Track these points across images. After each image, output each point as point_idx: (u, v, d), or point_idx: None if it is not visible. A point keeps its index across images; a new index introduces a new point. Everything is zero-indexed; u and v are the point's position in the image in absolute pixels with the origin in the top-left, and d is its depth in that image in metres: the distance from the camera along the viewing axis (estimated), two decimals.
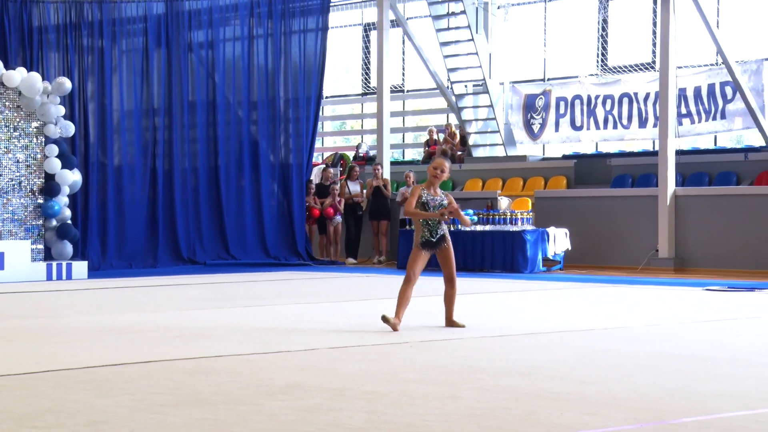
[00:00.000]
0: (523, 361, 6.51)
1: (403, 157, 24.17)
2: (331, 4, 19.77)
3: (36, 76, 15.84)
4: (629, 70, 19.67)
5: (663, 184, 16.65)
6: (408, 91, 23.61)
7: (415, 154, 23.96)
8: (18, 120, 15.81)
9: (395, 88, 22.72)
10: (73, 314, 10.07)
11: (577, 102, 19.99)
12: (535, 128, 20.64)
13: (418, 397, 5.23)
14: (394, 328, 8.16)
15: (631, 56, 19.86)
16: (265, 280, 14.94)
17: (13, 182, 15.80)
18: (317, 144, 22.89)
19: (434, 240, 8.37)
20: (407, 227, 17.37)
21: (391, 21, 20.67)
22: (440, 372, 6.07)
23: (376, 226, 19.12)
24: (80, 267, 15.56)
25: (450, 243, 8.43)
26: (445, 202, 8.37)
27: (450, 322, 8.47)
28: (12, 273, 14.74)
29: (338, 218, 19.38)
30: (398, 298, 8.38)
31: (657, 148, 17.61)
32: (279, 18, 19.04)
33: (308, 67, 19.22)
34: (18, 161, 15.84)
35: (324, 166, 21.29)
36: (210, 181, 18.61)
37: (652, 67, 19.17)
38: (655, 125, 18.36)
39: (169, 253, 18.05)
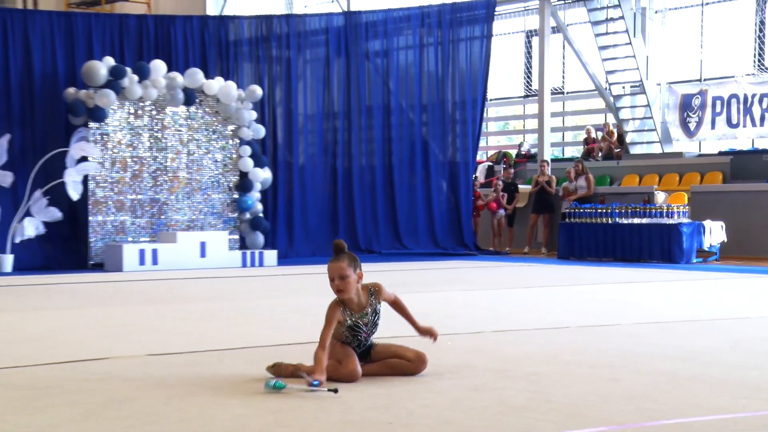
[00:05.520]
0: (680, 347, 6.25)
1: (563, 155, 23.75)
2: (495, 14, 19.62)
3: (232, 84, 16.36)
4: None
5: None
6: (568, 92, 23.17)
7: (574, 151, 23.50)
8: (216, 124, 16.38)
9: (555, 90, 22.35)
10: (264, 297, 10.35)
11: (734, 101, 19.15)
12: (692, 126, 19.90)
13: (579, 378, 5.10)
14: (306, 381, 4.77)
15: None
16: (434, 268, 14.97)
17: (213, 180, 16.39)
18: (482, 143, 22.76)
19: (360, 351, 5.19)
20: (567, 220, 17.05)
21: (552, 27, 20.35)
22: (599, 355, 5.91)
23: (535, 219, 18.91)
24: (270, 255, 15.99)
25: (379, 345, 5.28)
26: (380, 308, 5.27)
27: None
28: (212, 260, 15.30)
29: (501, 212, 19.24)
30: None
31: None
32: (447, 27, 19.02)
33: (474, 72, 19.12)
34: (216, 161, 16.41)
35: (504, 166, 21.20)
36: (385, 178, 18.79)
37: None
38: None
39: (348, 244, 18.19)
